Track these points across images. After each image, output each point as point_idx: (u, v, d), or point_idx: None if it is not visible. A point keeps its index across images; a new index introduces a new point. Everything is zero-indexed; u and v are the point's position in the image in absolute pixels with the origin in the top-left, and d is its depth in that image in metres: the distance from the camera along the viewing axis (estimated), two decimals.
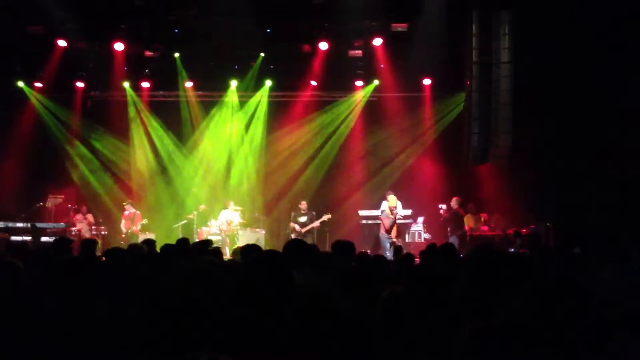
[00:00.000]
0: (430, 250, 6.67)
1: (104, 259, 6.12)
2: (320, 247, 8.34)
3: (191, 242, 8.31)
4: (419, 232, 15.58)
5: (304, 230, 14.84)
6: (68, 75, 16.35)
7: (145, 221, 15.66)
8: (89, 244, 7.63)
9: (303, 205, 15.24)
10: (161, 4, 14.43)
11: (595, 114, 12.14)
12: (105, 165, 17.44)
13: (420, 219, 15.65)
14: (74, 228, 15.33)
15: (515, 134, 12.89)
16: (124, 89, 17.11)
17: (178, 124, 17.57)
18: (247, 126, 17.58)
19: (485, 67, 13.27)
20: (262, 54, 16.10)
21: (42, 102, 16.96)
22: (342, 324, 2.83)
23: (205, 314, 2.78)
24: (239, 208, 15.78)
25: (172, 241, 7.85)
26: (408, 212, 15.12)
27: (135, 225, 15.45)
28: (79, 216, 15.73)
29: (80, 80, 16.75)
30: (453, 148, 15.54)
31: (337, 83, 16.86)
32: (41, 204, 16.04)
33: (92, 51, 15.74)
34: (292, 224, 15.13)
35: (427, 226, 15.65)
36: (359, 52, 15.64)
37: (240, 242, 13.99)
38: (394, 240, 13.73)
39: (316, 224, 15.02)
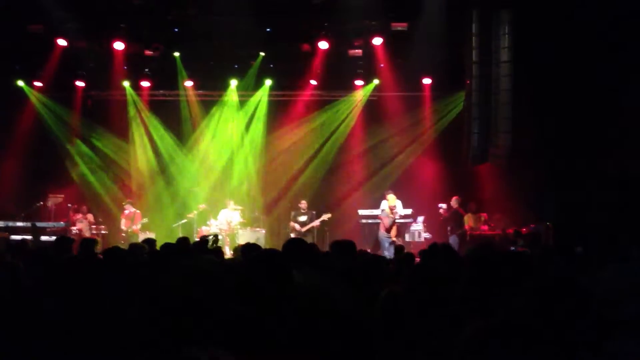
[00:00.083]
0: (431, 249, 6.66)
1: (101, 256, 6.11)
2: (320, 247, 8.35)
3: (191, 241, 8.32)
4: (418, 231, 15.57)
5: (303, 229, 14.85)
6: (68, 75, 16.36)
7: (145, 220, 15.66)
8: (89, 243, 7.63)
9: (303, 204, 15.25)
10: (161, 3, 14.42)
11: (595, 114, 12.13)
12: (105, 164, 17.46)
13: (420, 219, 15.64)
14: (74, 227, 15.33)
15: (515, 133, 12.88)
16: (123, 88, 17.12)
17: (178, 124, 17.58)
18: (247, 125, 17.59)
19: (485, 67, 13.25)
20: (262, 54, 16.10)
21: (42, 102, 16.97)
22: (342, 323, 2.83)
23: (205, 313, 2.78)
24: (239, 207, 15.78)
25: (173, 240, 7.86)
26: (408, 211, 15.13)
27: (135, 224, 15.45)
28: (78, 215, 15.72)
29: (80, 80, 16.77)
30: (453, 147, 15.53)
31: (337, 82, 16.87)
32: (41, 203, 16.05)
33: (92, 50, 15.74)
34: (292, 223, 15.14)
35: (427, 225, 15.64)
36: (359, 52, 15.64)
37: (240, 242, 13.98)
38: (394, 239, 13.74)
39: (316, 223, 15.03)
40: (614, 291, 2.50)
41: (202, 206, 15.92)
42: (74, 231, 15.05)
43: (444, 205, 15.07)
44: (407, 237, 15.29)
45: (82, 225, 15.50)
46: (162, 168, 17.56)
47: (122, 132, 17.47)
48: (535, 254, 5.84)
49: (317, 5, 13.94)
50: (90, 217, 15.82)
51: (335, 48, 15.33)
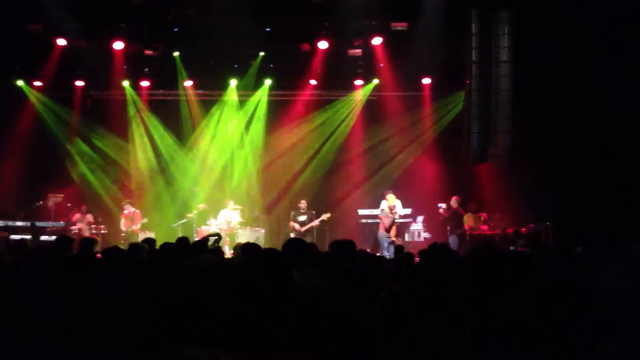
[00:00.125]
0: (431, 249, 6.66)
1: (99, 256, 6.11)
2: (320, 247, 8.34)
3: (191, 241, 8.31)
4: (418, 231, 15.59)
5: (303, 229, 14.85)
6: (68, 74, 16.37)
7: (145, 220, 15.65)
8: (88, 242, 7.63)
9: (303, 204, 15.25)
10: (161, 3, 14.42)
11: (595, 114, 12.13)
12: (105, 164, 17.45)
13: (420, 218, 15.66)
14: (73, 227, 15.33)
15: (515, 133, 12.87)
16: (123, 88, 17.12)
17: (178, 123, 17.58)
18: (247, 125, 17.59)
19: (484, 67, 13.24)
20: (262, 53, 16.11)
21: (42, 101, 16.97)
22: (342, 323, 2.83)
23: (205, 313, 2.78)
24: (239, 207, 15.78)
25: (172, 240, 7.85)
26: (407, 211, 15.14)
27: (135, 224, 15.44)
28: (78, 215, 15.72)
29: (80, 79, 16.78)
30: (452, 147, 15.53)
31: (337, 82, 16.88)
32: (41, 202, 16.05)
33: (91, 50, 15.71)
34: (291, 223, 15.15)
35: (427, 225, 15.66)
36: (358, 52, 15.64)
37: (240, 241, 13.96)
38: (394, 239, 13.74)
39: (315, 223, 15.03)
40: (614, 291, 2.50)
41: (201, 206, 15.91)
42: (73, 231, 15.05)
43: (443, 205, 15.07)
44: (407, 237, 15.30)
45: (82, 225, 15.50)
46: (162, 168, 17.56)
47: (122, 131, 17.46)
48: (535, 254, 5.84)
49: (317, 5, 13.95)
50: (89, 217, 15.81)
51: (335, 48, 15.33)
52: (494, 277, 3.21)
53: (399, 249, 10.17)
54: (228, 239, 14.96)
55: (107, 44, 15.25)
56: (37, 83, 16.63)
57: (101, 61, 15.91)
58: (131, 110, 17.41)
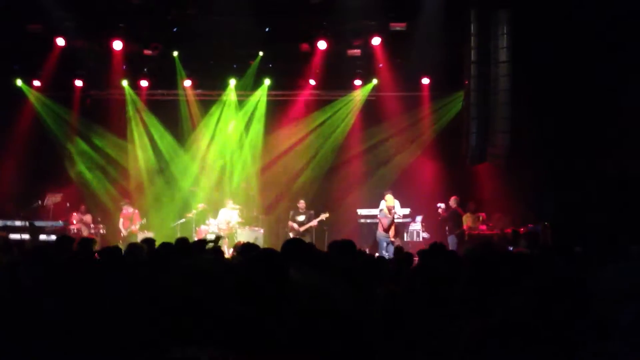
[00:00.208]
0: (430, 249, 6.66)
1: (97, 256, 6.10)
2: (319, 246, 8.36)
3: (190, 241, 8.30)
4: (417, 231, 15.61)
5: (302, 229, 14.86)
6: (67, 74, 16.35)
7: (143, 221, 15.63)
8: (87, 242, 7.62)
9: (301, 204, 15.26)
10: (160, 3, 14.42)
11: (594, 114, 12.14)
12: (104, 164, 17.43)
13: (419, 218, 15.67)
14: (72, 227, 15.32)
15: (514, 133, 12.89)
16: (122, 88, 17.10)
17: (177, 123, 17.56)
18: (246, 125, 17.58)
19: (483, 67, 13.25)
20: (261, 53, 16.09)
21: (41, 101, 16.94)
22: (342, 323, 2.83)
23: (205, 313, 2.78)
24: (238, 207, 15.78)
25: (172, 240, 7.84)
26: (406, 211, 15.16)
27: (134, 224, 15.43)
28: (77, 215, 15.70)
29: (79, 79, 16.77)
30: (451, 147, 15.54)
31: (336, 82, 16.86)
32: (39, 202, 16.02)
33: (91, 50, 15.69)
34: (290, 223, 15.15)
35: (426, 225, 15.67)
36: (357, 52, 15.63)
37: (240, 240, 13.98)
38: (393, 239, 13.75)
39: (314, 223, 15.03)
40: (614, 291, 2.50)
41: (201, 206, 15.90)
42: (72, 231, 15.04)
43: (442, 205, 15.07)
44: (406, 237, 15.31)
45: (81, 224, 15.49)
46: (161, 167, 17.54)
47: (121, 131, 17.44)
48: (535, 254, 5.85)
49: (316, 5, 13.95)
50: (88, 217, 15.80)
51: (334, 48, 15.34)
52: (492, 277, 3.21)
53: (398, 250, 10.17)
54: (227, 239, 14.96)
55: (106, 44, 15.24)
56: (36, 83, 16.61)
57: (100, 61, 15.89)
58: (130, 110, 17.39)
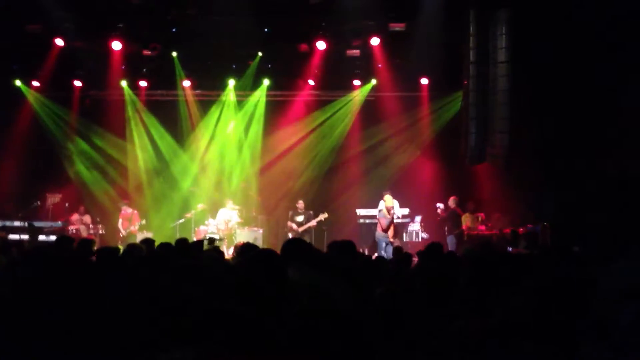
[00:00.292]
0: (430, 249, 6.66)
1: (94, 257, 6.10)
2: (318, 247, 8.34)
3: (189, 241, 8.30)
4: (416, 231, 15.61)
5: (301, 229, 14.87)
6: (66, 74, 16.37)
7: (143, 222, 15.64)
8: (86, 243, 7.62)
9: (300, 204, 15.27)
10: (160, 3, 14.43)
11: (594, 114, 12.13)
12: (103, 164, 17.43)
13: (418, 218, 15.67)
14: (71, 227, 15.31)
15: (513, 133, 12.88)
16: (121, 88, 17.12)
17: (176, 123, 17.57)
18: (245, 125, 17.58)
19: (482, 67, 13.24)
20: (260, 53, 16.10)
21: (40, 101, 16.96)
22: (342, 323, 2.83)
23: (205, 313, 2.77)
24: (237, 207, 15.78)
25: (171, 240, 7.84)
26: (405, 211, 15.16)
27: (133, 225, 15.43)
28: (76, 215, 15.70)
29: (78, 79, 16.78)
30: (450, 147, 15.54)
31: (335, 82, 16.87)
32: (39, 202, 16.03)
33: (90, 50, 15.70)
34: (289, 223, 15.17)
35: (425, 225, 15.67)
36: (356, 52, 15.64)
37: (239, 240, 14.00)
38: (392, 240, 13.75)
39: (313, 223, 15.05)
40: (614, 291, 2.50)
41: (200, 206, 15.91)
42: (71, 231, 15.03)
43: (441, 205, 15.07)
44: (405, 237, 15.32)
45: (80, 225, 15.48)
46: (160, 168, 17.54)
47: (120, 131, 17.44)
48: (534, 254, 5.85)
49: (315, 6, 13.95)
50: (87, 217, 15.79)
51: (333, 48, 15.34)
52: (492, 277, 3.21)
53: (397, 250, 10.18)
54: (226, 240, 14.96)
55: (105, 44, 15.24)
56: (35, 83, 16.63)
57: (99, 61, 15.90)
58: (129, 110, 17.39)
